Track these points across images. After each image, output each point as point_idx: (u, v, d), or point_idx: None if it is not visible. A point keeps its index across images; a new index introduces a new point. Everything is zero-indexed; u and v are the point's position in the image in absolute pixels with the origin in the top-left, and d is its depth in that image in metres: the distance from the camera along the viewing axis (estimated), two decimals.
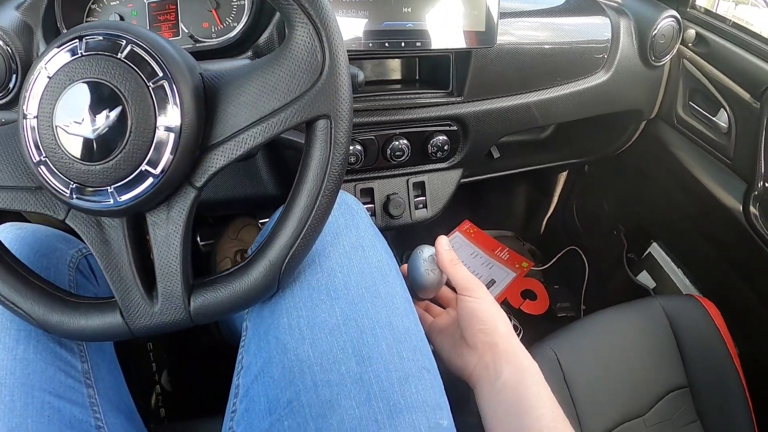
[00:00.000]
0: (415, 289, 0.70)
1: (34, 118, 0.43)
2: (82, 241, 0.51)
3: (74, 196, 0.44)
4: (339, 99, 0.47)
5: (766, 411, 0.90)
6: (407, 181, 0.95)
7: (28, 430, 0.50)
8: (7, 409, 0.50)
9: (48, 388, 0.53)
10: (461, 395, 0.62)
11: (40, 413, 0.51)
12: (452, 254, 0.69)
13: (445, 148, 0.92)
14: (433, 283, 0.69)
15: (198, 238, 1.28)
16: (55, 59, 0.42)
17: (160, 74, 0.43)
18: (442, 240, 0.71)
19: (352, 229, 0.61)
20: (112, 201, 0.44)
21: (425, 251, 0.70)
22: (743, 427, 0.86)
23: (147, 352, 1.19)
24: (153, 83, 0.43)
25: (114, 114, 0.42)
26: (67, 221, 0.48)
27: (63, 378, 0.55)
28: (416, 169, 0.96)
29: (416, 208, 0.96)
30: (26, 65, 0.65)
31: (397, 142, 0.88)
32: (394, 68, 0.94)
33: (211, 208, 0.94)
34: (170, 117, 0.43)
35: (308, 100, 0.46)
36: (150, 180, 0.43)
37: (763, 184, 0.93)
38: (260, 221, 1.22)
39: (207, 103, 0.46)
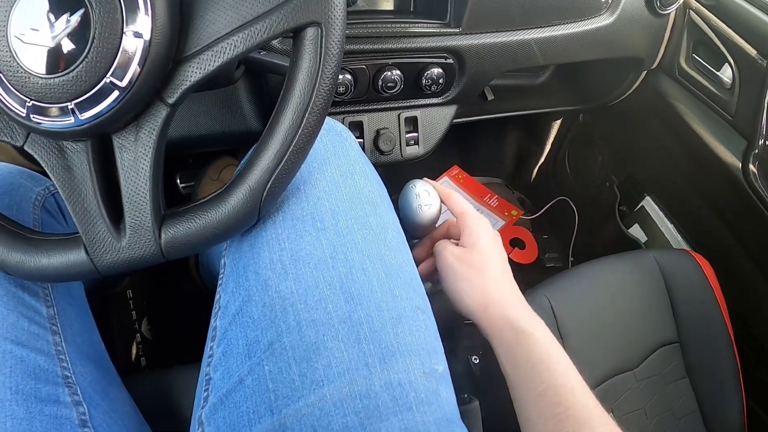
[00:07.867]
0: (407, 226, 0.66)
1: None
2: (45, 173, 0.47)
3: (31, 116, 0.39)
4: (331, 4, 0.42)
5: (753, 371, 0.91)
6: (399, 115, 0.91)
7: None
8: None
9: (9, 336, 0.49)
10: (450, 340, 0.60)
11: (1, 364, 0.48)
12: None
13: (440, 81, 0.87)
14: (426, 219, 0.65)
15: (178, 181, 1.24)
16: None
17: None
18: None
19: (341, 156, 0.57)
20: (73, 119, 0.39)
21: (417, 186, 0.66)
22: (730, 387, 0.87)
23: (127, 300, 1.16)
24: None
25: (75, 18, 0.37)
26: (26, 148, 0.44)
27: (26, 324, 0.51)
28: (409, 104, 0.92)
29: (407, 144, 0.92)
30: None
31: (389, 73, 0.83)
32: None
33: (190, 146, 0.89)
34: (139, 22, 0.38)
35: (297, 4, 0.41)
36: (115, 93, 0.39)
37: (764, 143, 0.92)
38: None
39: (182, 9, 0.41)
